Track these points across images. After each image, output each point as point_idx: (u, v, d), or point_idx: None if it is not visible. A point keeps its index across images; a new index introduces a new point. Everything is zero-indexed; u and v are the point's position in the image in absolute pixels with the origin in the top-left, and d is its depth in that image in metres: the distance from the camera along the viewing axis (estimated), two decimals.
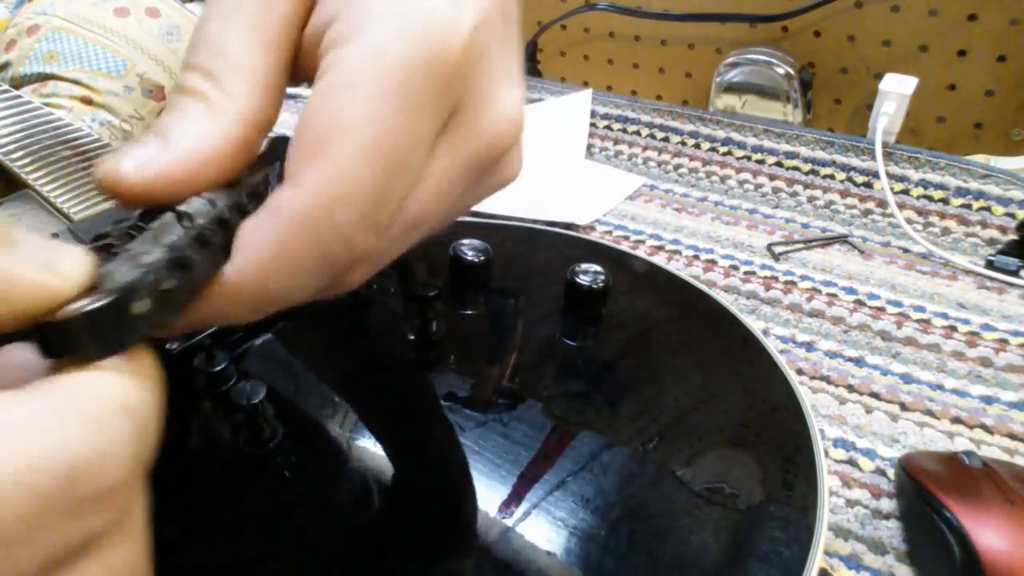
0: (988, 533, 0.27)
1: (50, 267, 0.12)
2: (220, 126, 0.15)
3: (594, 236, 0.53)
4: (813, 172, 0.57)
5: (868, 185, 0.55)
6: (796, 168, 0.58)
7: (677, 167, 0.62)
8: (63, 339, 0.12)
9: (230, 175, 0.16)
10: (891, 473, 0.34)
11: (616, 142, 0.65)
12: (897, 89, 0.56)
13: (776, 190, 0.57)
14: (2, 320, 0.12)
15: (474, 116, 0.16)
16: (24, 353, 0.13)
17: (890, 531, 0.32)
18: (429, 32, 0.14)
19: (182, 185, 0.15)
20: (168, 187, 0.15)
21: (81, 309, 0.12)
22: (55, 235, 0.32)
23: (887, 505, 0.33)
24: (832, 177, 0.57)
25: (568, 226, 0.53)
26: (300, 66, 0.17)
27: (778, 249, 0.51)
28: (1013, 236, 0.49)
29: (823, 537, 0.25)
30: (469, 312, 0.36)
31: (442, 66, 0.15)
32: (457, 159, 0.17)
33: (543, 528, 0.25)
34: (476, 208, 0.22)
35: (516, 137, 0.18)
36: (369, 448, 0.28)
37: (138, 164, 0.15)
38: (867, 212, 0.54)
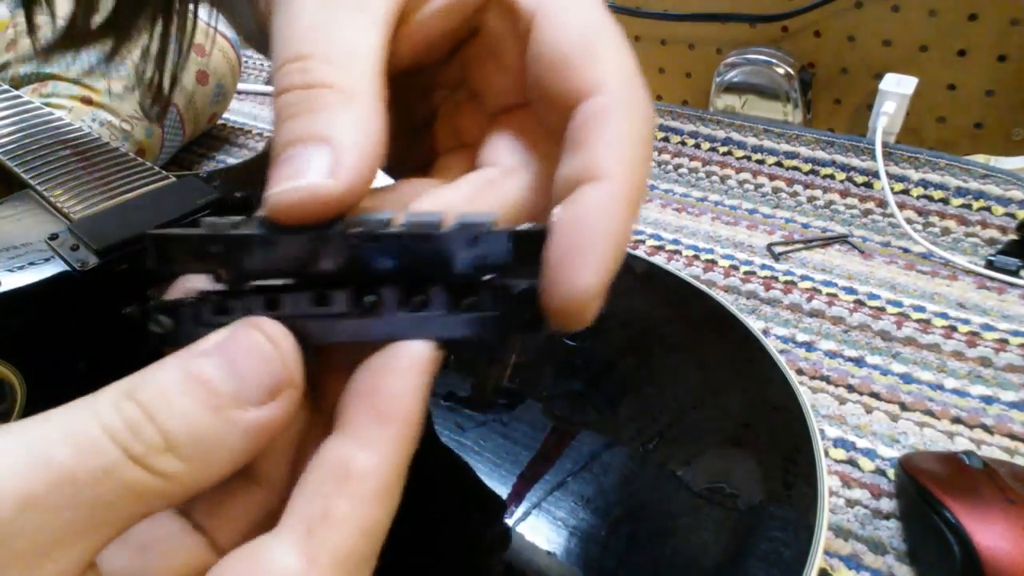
0: (988, 533, 0.27)
1: None
2: (367, 110, 0.15)
3: None
4: (813, 172, 0.57)
5: (868, 185, 0.55)
6: (796, 168, 0.58)
7: (677, 167, 0.62)
8: None
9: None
10: (891, 473, 0.34)
11: None
12: (897, 89, 0.56)
13: (776, 190, 0.57)
14: None
15: None
16: None
17: (890, 531, 0.32)
18: (641, 100, 0.17)
19: (370, 181, 0.14)
20: (363, 187, 0.14)
21: None
22: (55, 235, 0.32)
23: (887, 505, 0.33)
24: (832, 177, 0.57)
25: None
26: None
27: (778, 249, 0.51)
28: (1013, 236, 0.49)
29: (823, 537, 0.25)
30: None
31: (651, 119, 0.18)
32: None
33: (543, 528, 0.25)
34: None
35: None
36: None
37: (328, 173, 0.14)
38: (867, 212, 0.54)
